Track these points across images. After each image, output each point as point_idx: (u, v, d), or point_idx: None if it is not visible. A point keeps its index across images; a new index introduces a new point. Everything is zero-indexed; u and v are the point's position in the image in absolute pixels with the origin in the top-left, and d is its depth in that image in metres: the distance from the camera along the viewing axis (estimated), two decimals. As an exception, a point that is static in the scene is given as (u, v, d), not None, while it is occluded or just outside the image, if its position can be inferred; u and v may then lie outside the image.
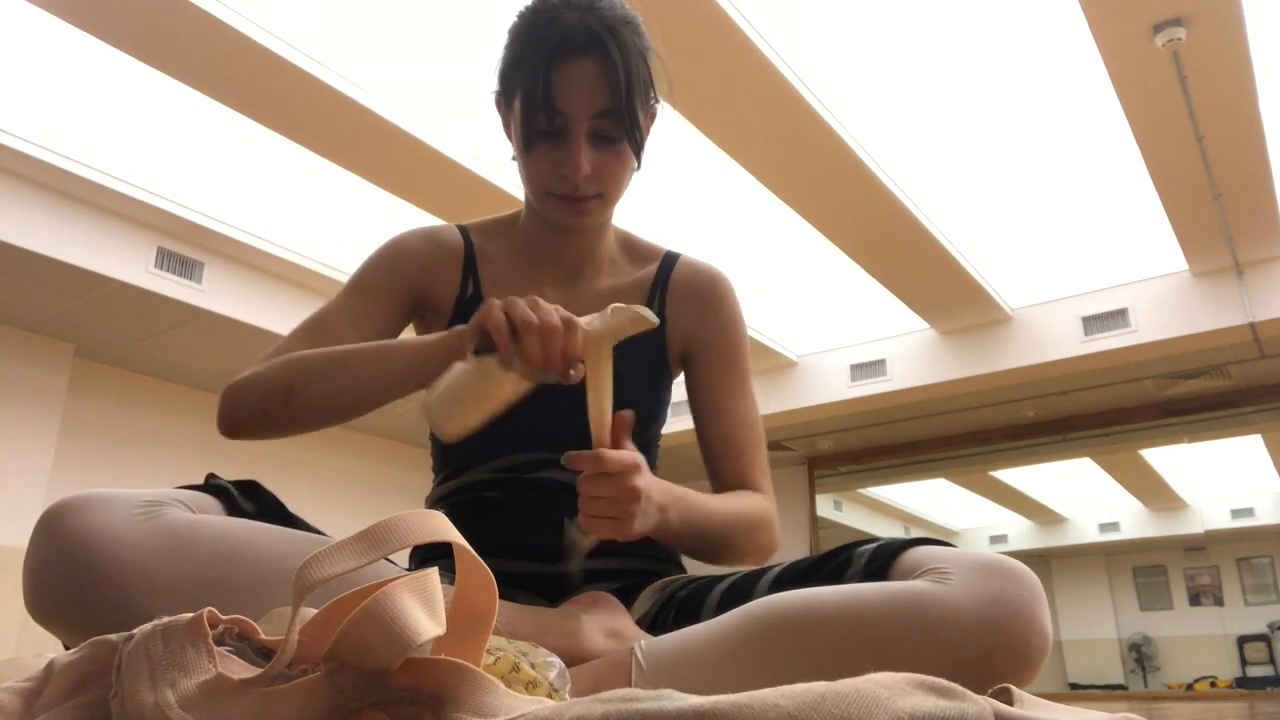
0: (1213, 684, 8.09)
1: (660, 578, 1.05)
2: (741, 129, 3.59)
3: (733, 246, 4.57)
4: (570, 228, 1.08)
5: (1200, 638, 8.40)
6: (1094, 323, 5.09)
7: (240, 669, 0.49)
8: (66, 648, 0.67)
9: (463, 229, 1.16)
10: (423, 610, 0.46)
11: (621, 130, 0.99)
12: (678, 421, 1.26)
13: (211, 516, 0.80)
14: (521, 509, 1.03)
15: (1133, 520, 8.91)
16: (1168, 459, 7.76)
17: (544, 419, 0.99)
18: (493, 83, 1.07)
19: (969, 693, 0.40)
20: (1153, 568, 8.88)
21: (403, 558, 1.10)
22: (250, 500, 0.86)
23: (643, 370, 1.11)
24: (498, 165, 3.83)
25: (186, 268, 4.35)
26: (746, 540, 1.02)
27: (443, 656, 0.47)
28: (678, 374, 1.18)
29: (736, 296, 1.18)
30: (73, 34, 3.02)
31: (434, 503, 1.10)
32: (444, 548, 0.97)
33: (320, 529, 0.86)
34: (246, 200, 4.23)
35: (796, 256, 4.76)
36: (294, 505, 0.89)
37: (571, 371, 0.82)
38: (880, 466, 7.60)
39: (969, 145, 3.91)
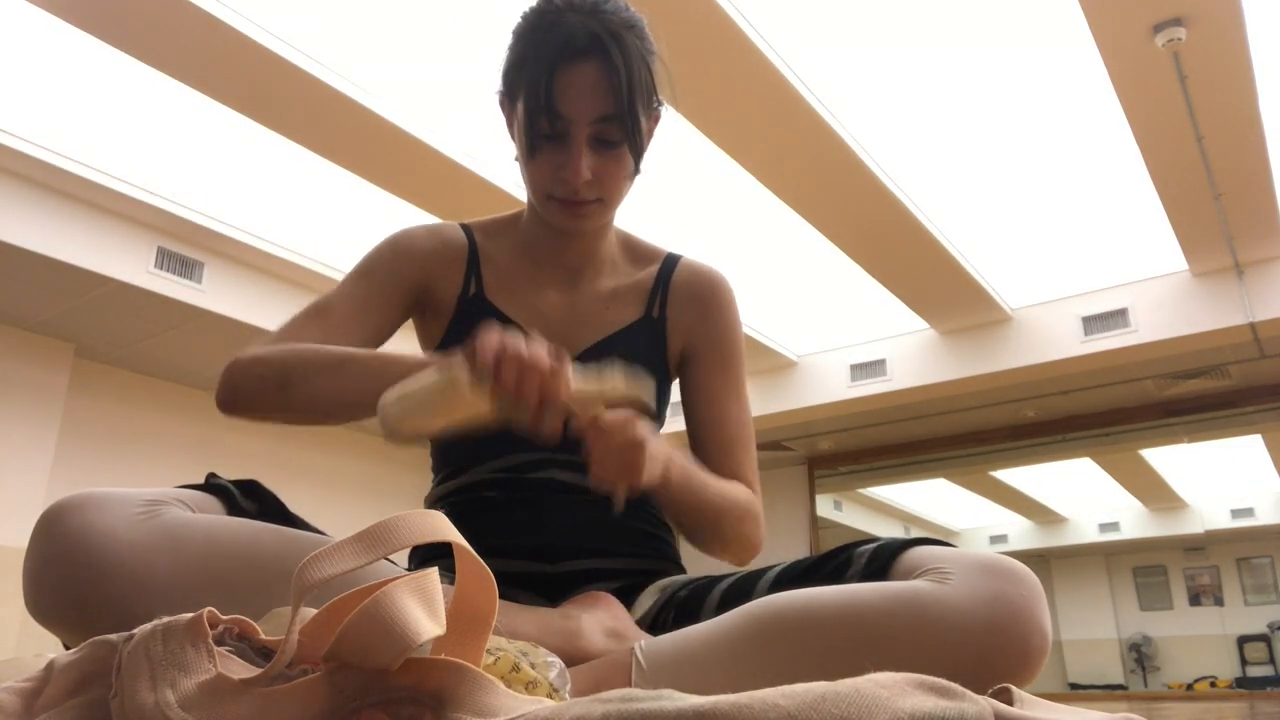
0: (1213, 684, 8.09)
1: (660, 578, 1.05)
2: (742, 129, 3.59)
3: (733, 246, 4.58)
4: (570, 231, 1.08)
5: (1200, 638, 8.40)
6: (1094, 323, 5.09)
7: (240, 669, 0.49)
8: (66, 648, 0.67)
9: (466, 228, 1.16)
10: (423, 610, 0.46)
11: (623, 135, 0.98)
12: (674, 423, 1.26)
13: (212, 516, 0.80)
14: (521, 509, 1.03)
15: (1133, 520, 8.91)
16: (1168, 459, 7.76)
17: None
18: (494, 82, 1.06)
19: (969, 693, 0.40)
20: (1153, 568, 8.89)
21: (403, 558, 1.10)
22: (251, 500, 0.86)
23: (645, 370, 1.11)
24: (498, 165, 3.83)
25: (186, 268, 4.35)
26: (735, 525, 1.03)
27: (443, 656, 0.47)
28: (677, 375, 1.18)
29: (735, 299, 1.19)
30: (73, 34, 3.02)
31: (434, 503, 1.10)
32: (444, 548, 0.97)
33: (320, 529, 0.86)
34: (246, 200, 4.23)
35: (796, 256, 4.76)
36: (294, 505, 0.89)
37: (545, 422, 0.80)
38: (880, 466, 7.60)
39: (969, 145, 3.91)
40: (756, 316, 5.39)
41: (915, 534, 1.63)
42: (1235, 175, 3.92)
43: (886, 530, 9.25)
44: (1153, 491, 8.48)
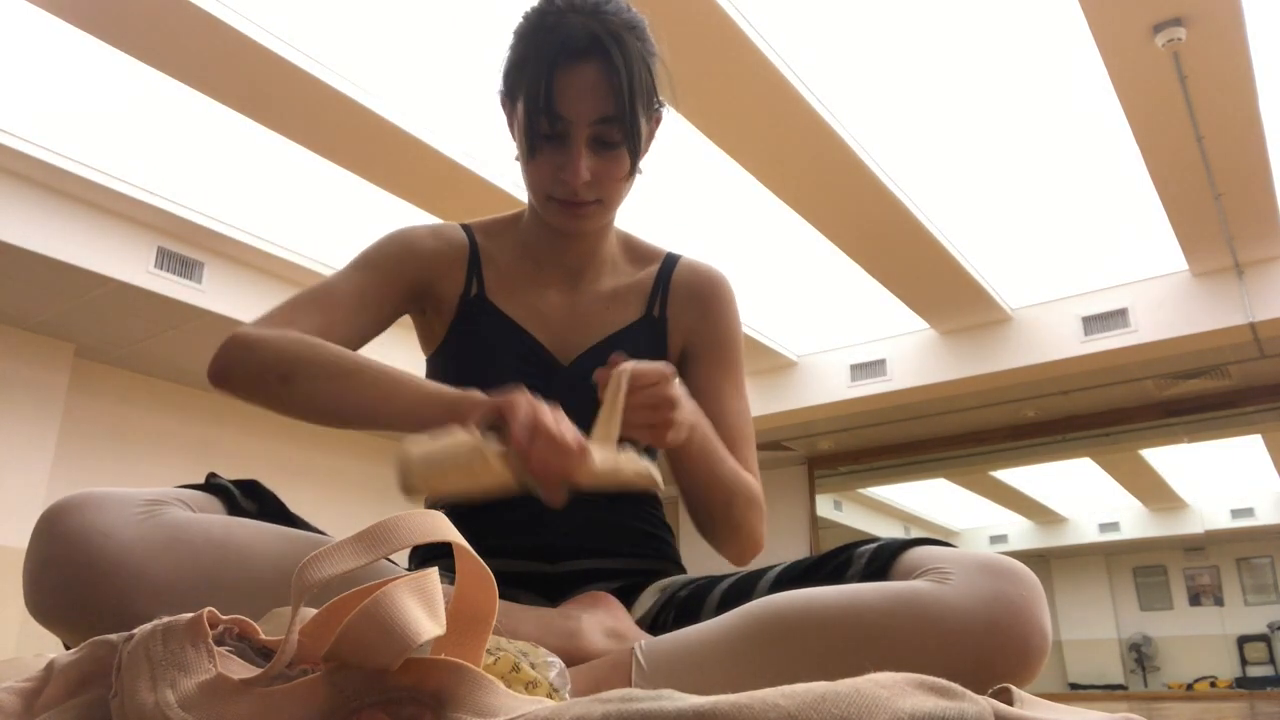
0: (1213, 684, 8.09)
1: (660, 578, 1.05)
2: (742, 129, 3.59)
3: (733, 246, 4.58)
4: (570, 232, 1.08)
5: (1200, 638, 8.40)
6: (1094, 323, 5.09)
7: (240, 669, 0.49)
8: (66, 648, 0.67)
9: (466, 228, 1.16)
10: (423, 610, 0.46)
11: (623, 136, 0.98)
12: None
13: (212, 516, 0.80)
14: (521, 509, 1.03)
15: (1133, 520, 8.91)
16: (1168, 459, 7.76)
17: None
18: (494, 82, 1.06)
19: (969, 693, 0.40)
20: (1153, 568, 8.88)
21: (403, 558, 1.10)
22: (251, 500, 0.86)
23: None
24: (498, 165, 3.83)
25: (186, 268, 4.35)
26: (744, 510, 1.03)
27: (443, 656, 0.47)
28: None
29: (735, 298, 1.19)
30: (73, 34, 3.02)
31: (434, 503, 1.10)
32: (444, 548, 0.97)
33: (320, 529, 0.86)
34: (246, 200, 4.23)
35: (796, 256, 4.76)
36: (294, 505, 0.89)
37: (560, 494, 0.82)
38: (880, 466, 7.60)
39: (969, 145, 3.91)
40: (756, 316, 5.39)
41: (915, 534, 1.63)
42: (1235, 175, 3.92)
43: (886, 530, 9.25)
44: (1153, 491, 8.48)
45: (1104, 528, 9.04)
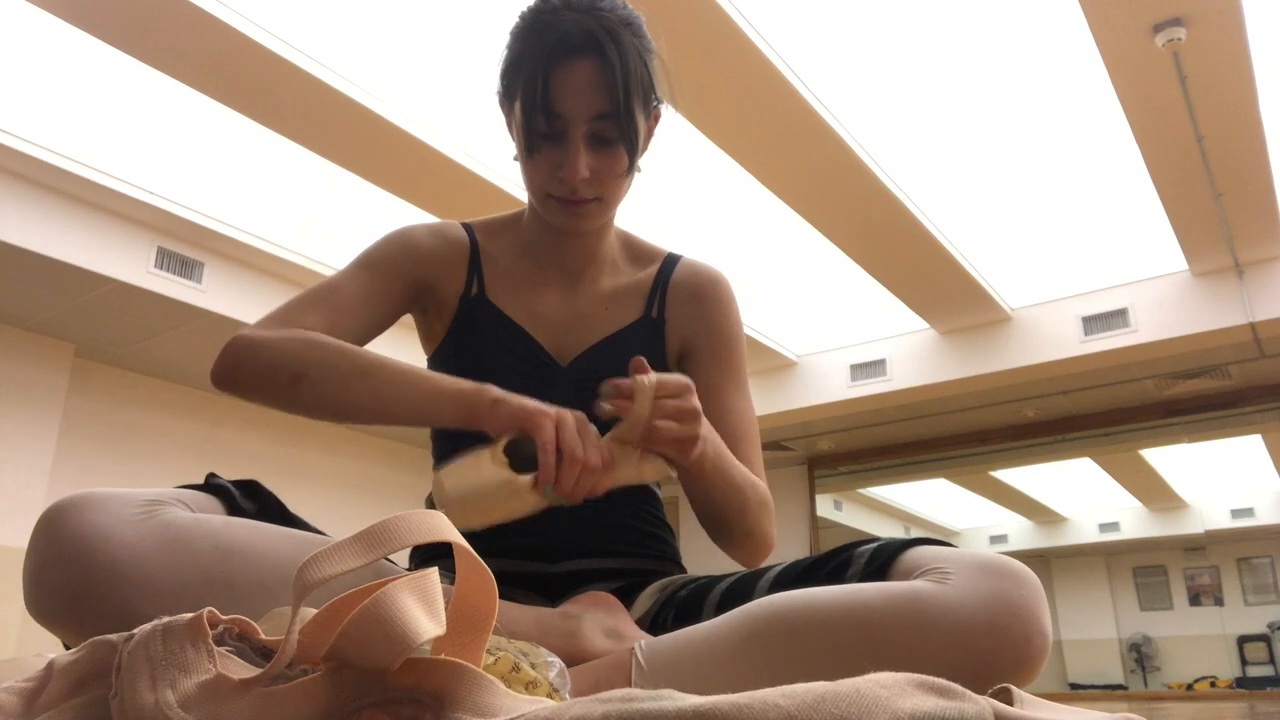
0: (1213, 684, 8.09)
1: (660, 578, 1.05)
2: (742, 129, 3.59)
3: (733, 246, 4.58)
4: (569, 230, 1.08)
5: (1200, 638, 8.40)
6: (1094, 323, 5.09)
7: (240, 669, 0.49)
8: (66, 648, 0.67)
9: (467, 227, 1.16)
10: (423, 610, 0.46)
11: (620, 133, 0.98)
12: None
13: (212, 516, 0.80)
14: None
15: (1133, 520, 8.91)
16: (1168, 459, 7.76)
17: None
18: (493, 82, 1.06)
19: (969, 693, 0.40)
20: (1153, 568, 8.89)
21: (403, 558, 1.10)
22: (250, 500, 0.86)
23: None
24: (497, 165, 3.83)
25: (186, 268, 4.35)
26: (757, 513, 1.02)
27: (443, 656, 0.47)
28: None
29: (735, 298, 1.19)
30: (73, 34, 3.02)
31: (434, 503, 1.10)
32: (444, 548, 0.97)
33: (320, 529, 0.86)
34: (246, 200, 4.23)
35: (796, 256, 4.76)
36: (294, 505, 0.89)
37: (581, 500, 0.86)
38: (880, 466, 7.60)
39: (969, 145, 3.91)
40: (756, 316, 5.39)
41: (915, 534, 1.63)
42: (1235, 175, 3.92)
43: (886, 530, 9.25)
44: (1153, 491, 8.48)
45: (1104, 528, 9.04)
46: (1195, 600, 8.54)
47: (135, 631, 0.50)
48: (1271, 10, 3.15)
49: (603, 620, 0.88)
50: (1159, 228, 4.44)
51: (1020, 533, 9.48)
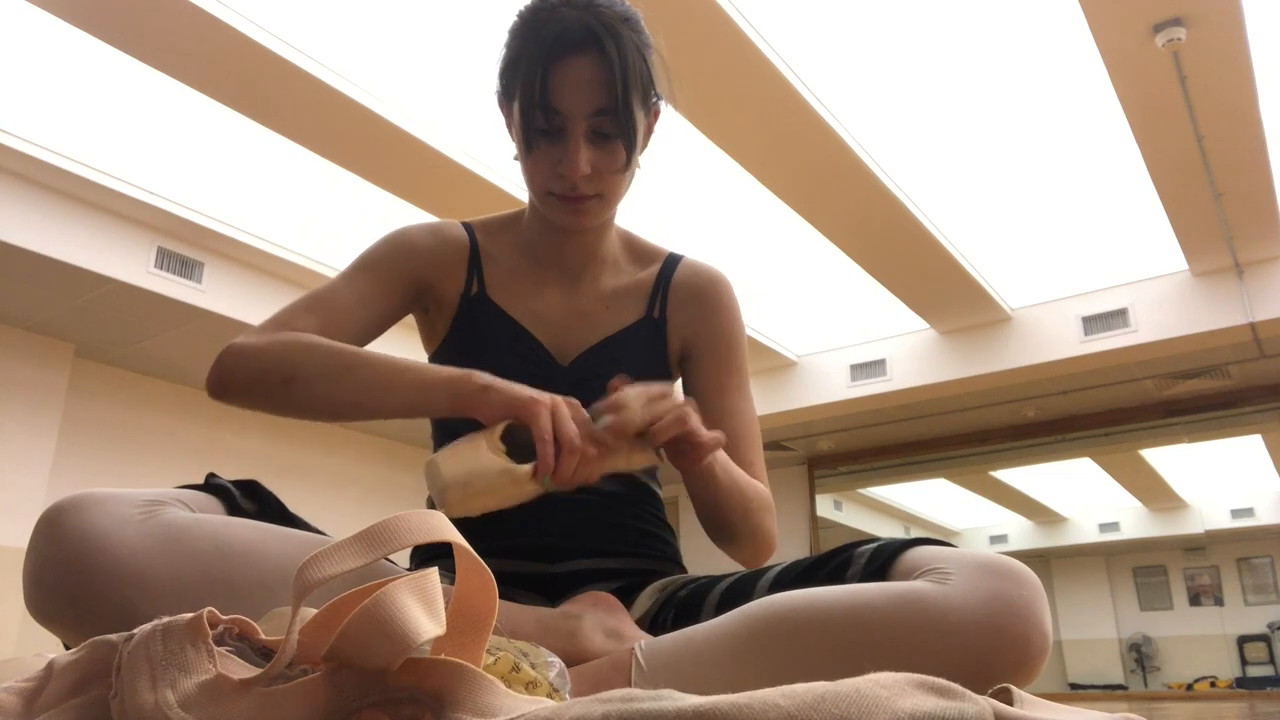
0: (1213, 684, 8.09)
1: (660, 578, 1.05)
2: (741, 129, 3.59)
3: (733, 246, 4.58)
4: (571, 228, 1.08)
5: (1200, 638, 8.40)
6: (1094, 323, 5.09)
7: (240, 669, 0.49)
8: (66, 648, 0.67)
9: (467, 225, 1.16)
10: (423, 610, 0.46)
11: (620, 128, 0.98)
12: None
13: (212, 516, 0.80)
14: (521, 509, 1.03)
15: (1133, 520, 8.91)
16: (1168, 459, 7.76)
17: None
18: (492, 82, 1.06)
19: (969, 693, 0.40)
20: (1153, 568, 8.88)
21: (403, 558, 1.10)
22: (250, 500, 0.86)
23: (645, 372, 1.11)
24: (497, 165, 3.83)
25: (186, 268, 4.35)
26: (759, 516, 1.02)
27: (443, 656, 0.47)
28: (678, 375, 1.18)
29: (736, 298, 1.19)
30: (73, 34, 3.02)
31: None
32: (444, 548, 0.97)
33: (320, 529, 0.86)
34: (246, 200, 4.23)
35: (796, 256, 4.76)
36: (294, 505, 0.89)
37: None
38: (880, 466, 7.60)
39: (969, 145, 3.91)
40: (756, 316, 5.39)
41: (915, 534, 1.63)
42: (1235, 175, 3.92)
43: (886, 530, 9.25)
44: (1153, 491, 8.48)
45: (1104, 528, 9.04)
46: (1195, 600, 8.54)
47: (135, 631, 0.50)
48: (1271, 10, 3.15)
49: (603, 620, 0.88)
50: (1159, 228, 4.44)
51: (1020, 533, 9.48)
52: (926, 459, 7.31)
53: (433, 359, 1.14)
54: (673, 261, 1.18)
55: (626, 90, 0.96)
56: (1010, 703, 0.47)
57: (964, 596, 0.73)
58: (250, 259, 4.53)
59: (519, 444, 0.84)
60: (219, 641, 0.50)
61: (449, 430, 1.08)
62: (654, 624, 0.95)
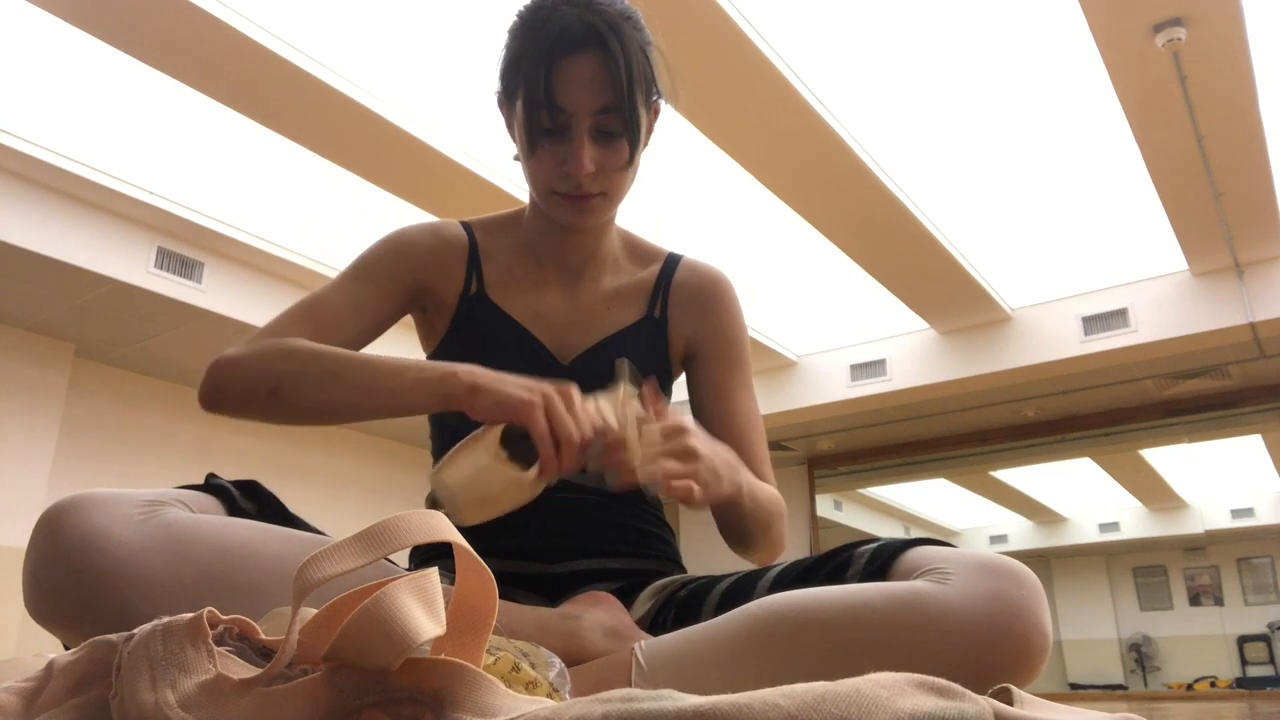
0: (1213, 684, 8.09)
1: (660, 578, 1.05)
2: (741, 129, 3.59)
3: (733, 246, 4.58)
4: (574, 226, 1.08)
5: (1200, 638, 8.40)
6: (1094, 323, 5.09)
7: (240, 669, 0.49)
8: (66, 648, 0.67)
9: (466, 225, 1.16)
10: (423, 610, 0.46)
11: (623, 126, 0.98)
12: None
13: (212, 516, 0.80)
14: (521, 509, 1.03)
15: (1133, 520, 8.91)
16: (1168, 459, 7.76)
17: None
18: (493, 82, 1.06)
19: (969, 693, 0.40)
20: (1153, 568, 8.88)
21: (403, 558, 1.10)
22: (250, 500, 0.86)
23: (645, 372, 1.11)
24: (497, 165, 3.83)
25: (186, 268, 4.35)
26: (778, 526, 1.04)
27: (443, 656, 0.47)
28: (679, 374, 1.18)
29: (737, 297, 1.19)
30: (73, 34, 3.02)
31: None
32: (444, 548, 0.97)
33: (320, 529, 0.86)
34: (246, 200, 4.23)
35: (796, 256, 4.76)
36: (294, 505, 0.89)
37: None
38: (880, 466, 7.60)
39: (969, 145, 3.91)
40: (756, 316, 5.39)
41: (915, 534, 1.63)
42: (1235, 175, 3.92)
43: (886, 530, 9.25)
44: (1153, 491, 8.48)
45: (1104, 528, 9.04)
46: (1195, 600, 8.54)
47: (135, 631, 0.50)
48: (1271, 10, 3.15)
49: (603, 620, 0.88)
50: (1159, 228, 4.44)
51: (1020, 533, 9.48)
52: (926, 459, 7.31)
53: (431, 359, 1.14)
54: (673, 261, 1.18)
55: (630, 87, 0.96)
56: (1010, 703, 0.47)
57: (964, 596, 0.73)
58: (250, 259, 4.53)
59: (519, 442, 0.83)
60: (219, 641, 0.50)
61: (447, 427, 1.08)
62: (654, 624, 0.95)
